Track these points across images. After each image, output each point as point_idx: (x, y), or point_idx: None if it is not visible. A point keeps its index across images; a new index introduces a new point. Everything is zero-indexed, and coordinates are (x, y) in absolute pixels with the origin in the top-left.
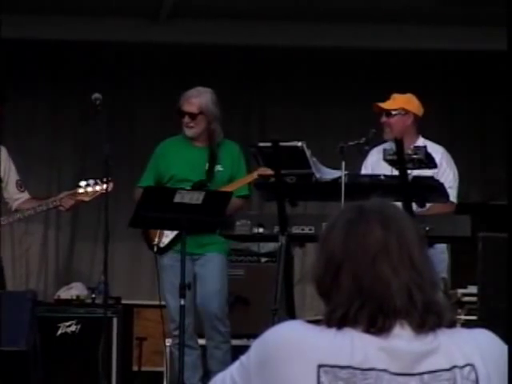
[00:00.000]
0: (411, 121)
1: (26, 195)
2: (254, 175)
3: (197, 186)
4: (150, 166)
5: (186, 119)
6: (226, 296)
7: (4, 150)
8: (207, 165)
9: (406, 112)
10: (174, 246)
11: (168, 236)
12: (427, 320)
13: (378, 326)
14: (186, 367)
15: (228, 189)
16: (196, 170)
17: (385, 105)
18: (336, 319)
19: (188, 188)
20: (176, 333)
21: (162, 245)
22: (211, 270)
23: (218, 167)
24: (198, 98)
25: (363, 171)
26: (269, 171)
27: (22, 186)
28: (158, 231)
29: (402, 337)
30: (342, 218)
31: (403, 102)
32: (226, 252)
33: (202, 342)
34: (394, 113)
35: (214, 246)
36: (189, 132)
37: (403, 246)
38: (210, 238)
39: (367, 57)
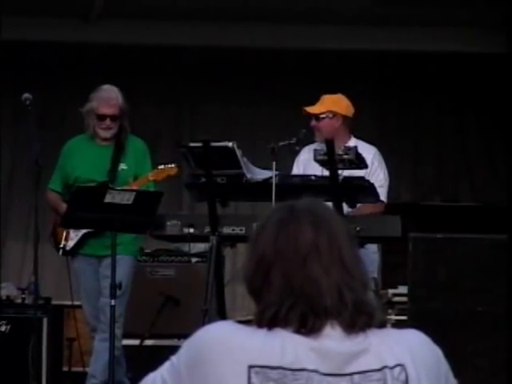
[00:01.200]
0: (340, 123)
1: None
2: (150, 178)
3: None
4: (58, 167)
5: (108, 122)
6: (127, 299)
7: None
8: (112, 164)
9: (334, 114)
10: (81, 249)
11: (73, 239)
12: (358, 320)
13: (308, 326)
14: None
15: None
16: (100, 170)
17: (312, 109)
18: (267, 319)
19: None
20: (93, 334)
21: (67, 248)
22: (117, 272)
23: (122, 166)
24: (117, 100)
25: (295, 169)
26: (162, 175)
27: None
28: (65, 234)
29: (333, 337)
30: (272, 217)
31: (331, 105)
32: (135, 253)
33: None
34: (322, 116)
35: (121, 248)
36: (107, 134)
37: (334, 245)
38: (116, 238)
39: (299, 57)
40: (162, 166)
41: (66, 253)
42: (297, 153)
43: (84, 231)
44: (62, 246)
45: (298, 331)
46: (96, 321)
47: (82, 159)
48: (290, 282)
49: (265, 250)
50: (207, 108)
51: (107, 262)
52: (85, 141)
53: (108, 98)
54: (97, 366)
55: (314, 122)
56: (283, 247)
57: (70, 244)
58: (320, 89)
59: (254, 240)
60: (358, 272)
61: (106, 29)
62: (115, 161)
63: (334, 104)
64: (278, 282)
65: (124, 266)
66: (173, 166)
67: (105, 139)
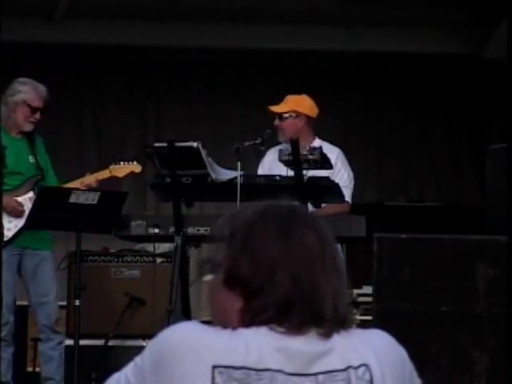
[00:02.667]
0: (303, 123)
1: None
2: (111, 174)
3: (34, 181)
4: None
5: (37, 115)
6: None
7: None
8: (31, 157)
9: (298, 114)
10: (14, 240)
11: (11, 230)
12: (335, 325)
13: (300, 328)
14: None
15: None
16: (22, 163)
17: (276, 108)
18: (264, 319)
19: (20, 182)
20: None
21: (5, 238)
22: (49, 270)
23: (36, 158)
24: (47, 95)
25: (260, 171)
26: (125, 171)
27: None
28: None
29: (297, 337)
30: (265, 217)
31: (294, 104)
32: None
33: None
34: (285, 116)
35: (50, 244)
36: (31, 127)
37: (331, 250)
38: (46, 233)
39: (264, 57)
40: (123, 163)
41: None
42: (262, 153)
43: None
44: None
45: (285, 332)
46: (6, 319)
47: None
48: (298, 284)
49: (269, 250)
50: (172, 108)
51: (36, 258)
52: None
53: (42, 91)
54: (51, 367)
55: (277, 122)
56: (293, 248)
57: (8, 235)
58: (284, 89)
59: (245, 239)
60: (344, 278)
61: (69, 28)
62: (35, 154)
63: (297, 104)
64: (286, 283)
65: (53, 265)
66: (135, 163)
67: (21, 132)
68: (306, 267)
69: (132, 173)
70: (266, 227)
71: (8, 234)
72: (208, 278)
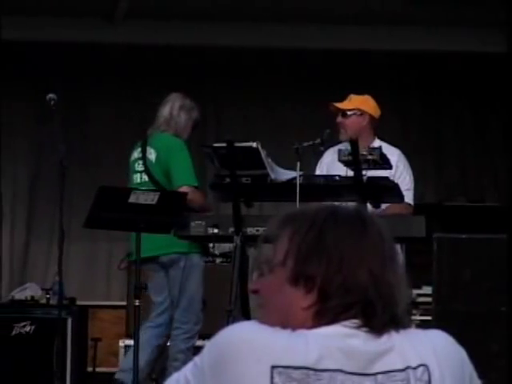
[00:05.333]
0: (367, 122)
1: None
2: None
3: None
4: (190, 163)
5: None
6: None
7: None
8: None
9: (362, 113)
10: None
11: None
12: (388, 322)
13: (381, 328)
14: None
15: None
16: None
17: (341, 105)
18: (346, 318)
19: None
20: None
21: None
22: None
23: None
24: None
25: (318, 171)
26: None
27: None
28: None
29: (358, 336)
30: (336, 216)
31: (359, 103)
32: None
33: None
34: (349, 113)
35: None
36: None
37: (393, 248)
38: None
39: (324, 57)
40: None
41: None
42: (321, 153)
43: None
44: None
45: (358, 327)
46: None
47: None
48: (376, 283)
49: (346, 250)
50: (231, 108)
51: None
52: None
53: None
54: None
55: (340, 119)
56: (366, 248)
57: None
58: (344, 90)
59: (316, 238)
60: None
61: (129, 29)
62: None
63: (361, 103)
64: (365, 282)
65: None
66: None
67: None
68: (381, 267)
69: None
70: (338, 226)
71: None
72: (254, 276)
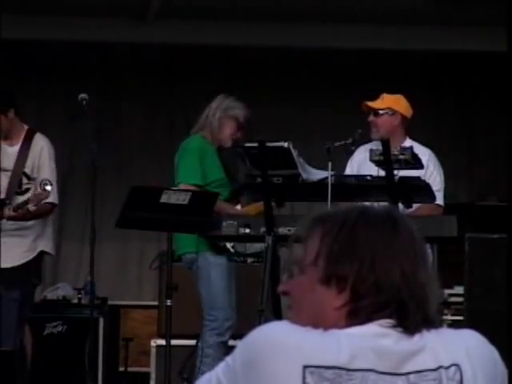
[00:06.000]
0: (399, 121)
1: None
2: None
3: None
4: (197, 163)
5: (239, 134)
6: None
7: (40, 143)
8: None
9: (394, 112)
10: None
11: None
12: (420, 322)
13: (414, 328)
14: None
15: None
16: (228, 176)
17: (373, 104)
18: (379, 317)
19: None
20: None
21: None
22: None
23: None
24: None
25: (348, 169)
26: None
27: (46, 185)
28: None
29: (390, 336)
30: (367, 216)
31: (391, 102)
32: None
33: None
34: (381, 112)
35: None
36: (230, 144)
37: (424, 249)
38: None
39: (356, 57)
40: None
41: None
42: (352, 153)
43: None
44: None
45: (393, 327)
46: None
47: (217, 162)
48: (409, 282)
49: (378, 250)
50: (262, 108)
51: None
52: (208, 144)
53: (248, 110)
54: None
55: (372, 117)
56: (398, 248)
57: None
58: (376, 90)
59: (349, 238)
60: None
61: (161, 29)
62: (227, 167)
63: (394, 102)
64: (398, 282)
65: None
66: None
67: (223, 148)
68: (413, 267)
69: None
70: (370, 226)
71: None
72: (284, 277)
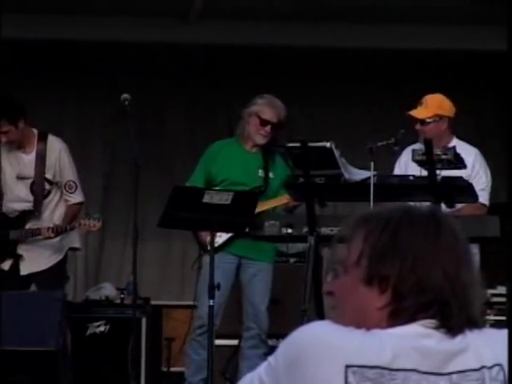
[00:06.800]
0: (446, 125)
1: (72, 198)
2: (283, 200)
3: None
4: (201, 167)
5: (268, 129)
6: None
7: (57, 147)
8: (261, 171)
9: (441, 117)
10: (227, 247)
11: (222, 236)
12: (462, 322)
13: (458, 328)
14: (191, 365)
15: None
16: (249, 175)
17: (418, 114)
18: (422, 317)
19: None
20: (199, 331)
21: (216, 244)
22: (262, 283)
23: (270, 174)
24: (282, 110)
25: (397, 170)
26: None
27: (71, 187)
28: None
29: (433, 336)
30: (411, 216)
31: (436, 108)
32: (274, 259)
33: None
34: (428, 120)
35: (268, 254)
36: (262, 140)
37: (468, 249)
38: (261, 243)
39: (397, 57)
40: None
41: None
42: (394, 153)
43: None
44: (208, 242)
45: (436, 328)
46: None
47: (231, 162)
48: (451, 283)
49: (420, 250)
50: (305, 108)
51: (252, 269)
52: (232, 145)
53: (275, 105)
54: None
55: (419, 127)
56: (441, 248)
57: (219, 241)
58: (418, 89)
59: (391, 238)
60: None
61: (203, 29)
62: (266, 168)
63: (438, 107)
64: (441, 282)
65: (270, 275)
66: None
67: (255, 145)
68: (455, 267)
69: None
70: (413, 227)
71: (219, 240)
72: (328, 278)
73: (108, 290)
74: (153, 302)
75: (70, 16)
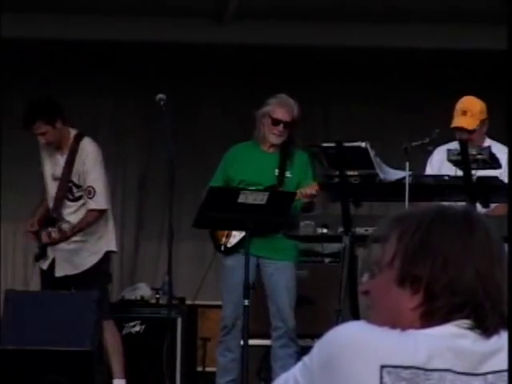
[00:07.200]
0: (486, 127)
1: (89, 204)
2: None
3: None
4: (220, 170)
5: (280, 128)
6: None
7: (86, 150)
8: (277, 170)
9: (483, 121)
10: (241, 247)
11: (235, 236)
12: (497, 322)
13: (493, 329)
14: (219, 367)
15: None
16: (266, 175)
17: (469, 125)
18: (456, 318)
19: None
20: (223, 332)
21: (229, 245)
22: (284, 282)
23: (288, 173)
24: (293, 109)
25: (428, 169)
26: (310, 190)
27: (90, 192)
28: (226, 231)
29: (468, 336)
30: (444, 217)
31: (479, 113)
32: (296, 258)
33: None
34: (476, 128)
35: (286, 254)
36: (277, 140)
37: (502, 249)
38: (282, 242)
39: (432, 57)
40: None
41: (226, 250)
42: (430, 153)
43: None
44: (222, 243)
45: (471, 328)
46: (232, 319)
47: (248, 163)
48: (484, 283)
49: (452, 250)
50: (339, 108)
51: (271, 268)
52: (250, 147)
53: (285, 104)
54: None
55: (467, 136)
56: (474, 248)
57: (232, 241)
58: (452, 89)
59: (424, 238)
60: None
61: (238, 30)
62: (283, 167)
63: (481, 113)
64: (474, 282)
65: (291, 276)
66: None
67: (272, 145)
68: (488, 267)
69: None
70: (445, 226)
71: (232, 240)
72: (364, 278)
73: (143, 290)
74: (188, 302)
75: (109, 16)
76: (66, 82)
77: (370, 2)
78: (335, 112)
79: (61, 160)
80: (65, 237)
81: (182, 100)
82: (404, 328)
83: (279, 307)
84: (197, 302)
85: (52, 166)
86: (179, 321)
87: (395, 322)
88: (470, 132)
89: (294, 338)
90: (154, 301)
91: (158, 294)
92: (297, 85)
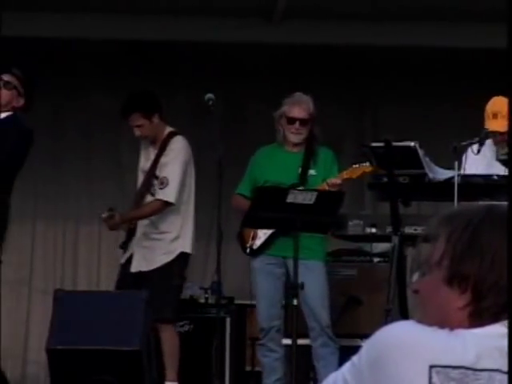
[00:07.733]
0: None
1: (157, 194)
2: (344, 176)
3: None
4: (247, 173)
5: (297, 125)
6: (329, 304)
7: (172, 146)
8: (300, 169)
9: None
10: (267, 248)
11: (261, 238)
12: None
13: None
14: (263, 368)
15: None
16: (289, 174)
17: (498, 127)
18: (497, 314)
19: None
20: (261, 335)
21: (254, 247)
22: (314, 281)
23: (312, 171)
24: (308, 105)
25: (466, 166)
26: (357, 172)
27: (162, 182)
28: (252, 233)
29: None
30: (493, 216)
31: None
32: (325, 258)
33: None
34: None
35: (314, 253)
36: (296, 138)
37: None
38: (309, 241)
39: (481, 56)
40: (356, 165)
41: (252, 252)
42: (478, 152)
43: (272, 230)
44: (248, 245)
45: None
46: (268, 321)
47: (271, 164)
48: None
49: (501, 249)
50: (389, 107)
51: (299, 268)
52: (274, 148)
53: (298, 101)
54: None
55: (502, 138)
56: None
57: (258, 243)
58: (495, 89)
59: (473, 238)
60: None
61: (287, 29)
62: (305, 165)
63: None
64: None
65: (321, 275)
66: (367, 164)
67: (294, 144)
68: None
69: (364, 173)
70: (494, 226)
71: (257, 242)
72: (414, 277)
73: (192, 289)
74: (237, 302)
75: (156, 15)
76: (115, 82)
77: (416, 3)
78: (385, 112)
79: (152, 155)
80: (121, 220)
81: (231, 100)
82: (453, 328)
83: (311, 307)
84: (245, 302)
85: (144, 161)
86: (228, 320)
87: (444, 322)
88: (503, 133)
89: (331, 335)
90: (202, 300)
91: (206, 293)
92: (345, 84)
